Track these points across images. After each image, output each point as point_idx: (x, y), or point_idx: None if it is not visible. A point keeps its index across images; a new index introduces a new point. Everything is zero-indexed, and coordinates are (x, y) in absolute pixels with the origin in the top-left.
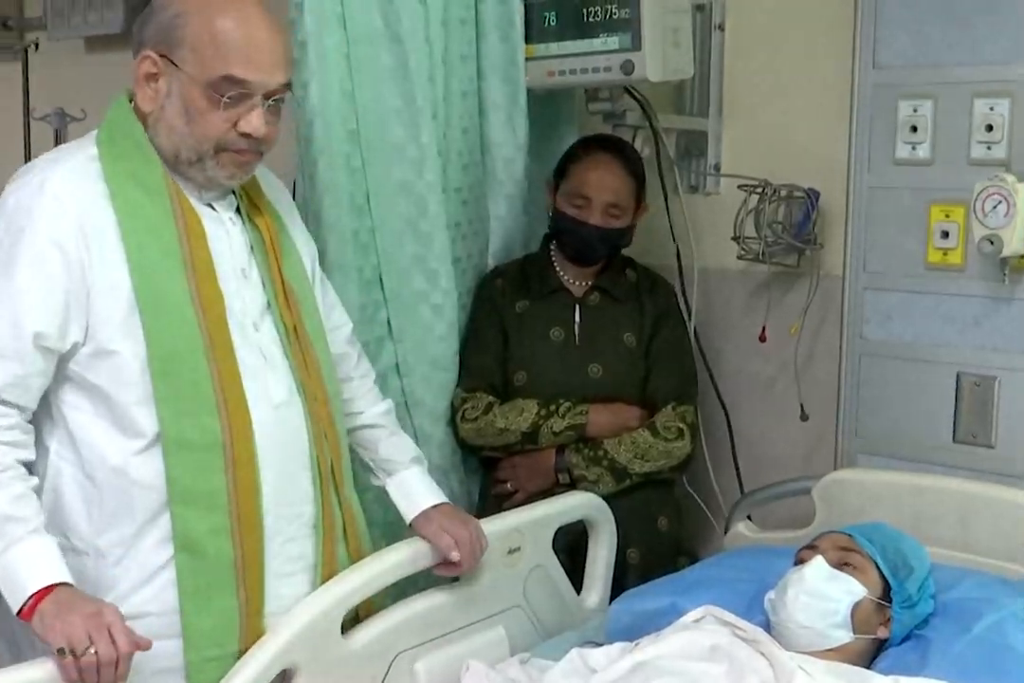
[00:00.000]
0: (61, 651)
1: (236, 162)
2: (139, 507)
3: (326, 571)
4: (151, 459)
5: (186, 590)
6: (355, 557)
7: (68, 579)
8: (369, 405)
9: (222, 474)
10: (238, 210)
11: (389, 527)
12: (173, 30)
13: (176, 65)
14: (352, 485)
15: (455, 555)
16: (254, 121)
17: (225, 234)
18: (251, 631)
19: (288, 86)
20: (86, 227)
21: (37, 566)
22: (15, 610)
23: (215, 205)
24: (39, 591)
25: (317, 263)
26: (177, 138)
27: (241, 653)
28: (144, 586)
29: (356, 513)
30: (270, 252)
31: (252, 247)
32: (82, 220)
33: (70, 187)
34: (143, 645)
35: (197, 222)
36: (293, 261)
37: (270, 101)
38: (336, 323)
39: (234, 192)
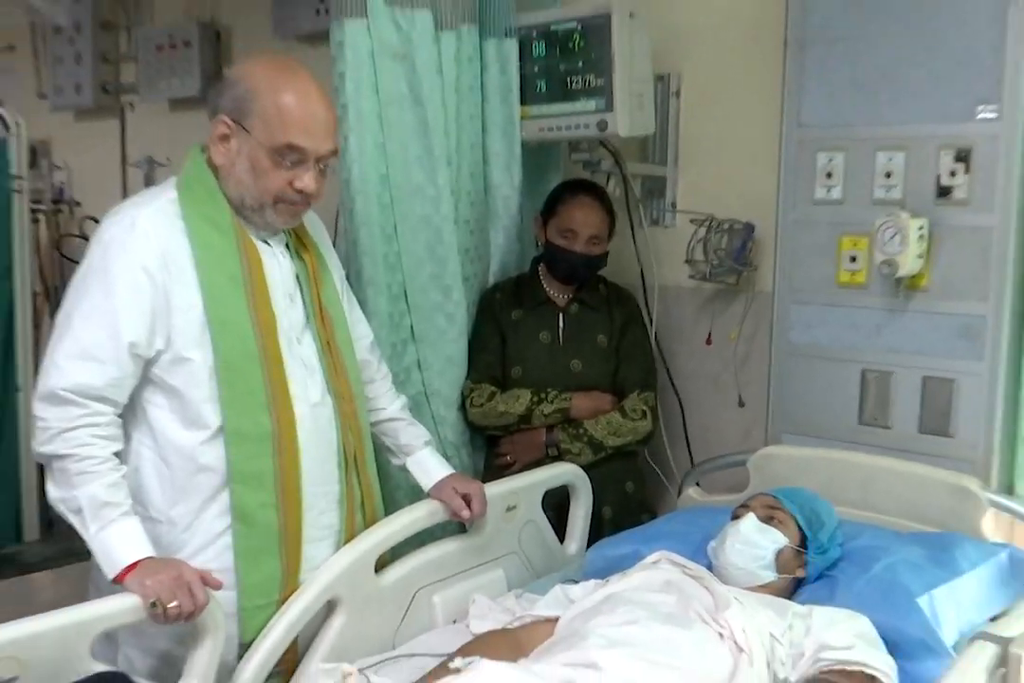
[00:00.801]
0: (153, 604)
1: (290, 211)
2: (203, 485)
3: (347, 537)
4: (214, 447)
5: (240, 552)
6: (371, 522)
7: (152, 554)
8: (390, 402)
9: (270, 460)
10: (287, 245)
11: (412, 490)
12: (245, 102)
13: (247, 131)
14: (373, 467)
15: (465, 513)
16: (308, 181)
17: (277, 265)
18: (290, 585)
19: (335, 152)
20: (168, 257)
21: (128, 544)
22: (110, 577)
23: (270, 241)
24: (131, 564)
25: (346, 283)
26: (244, 189)
27: (282, 602)
28: (207, 548)
29: (374, 490)
30: (311, 280)
31: (297, 276)
32: (165, 251)
33: (155, 225)
34: (214, 584)
35: (256, 255)
36: (329, 287)
37: (321, 164)
38: (360, 335)
39: (285, 230)
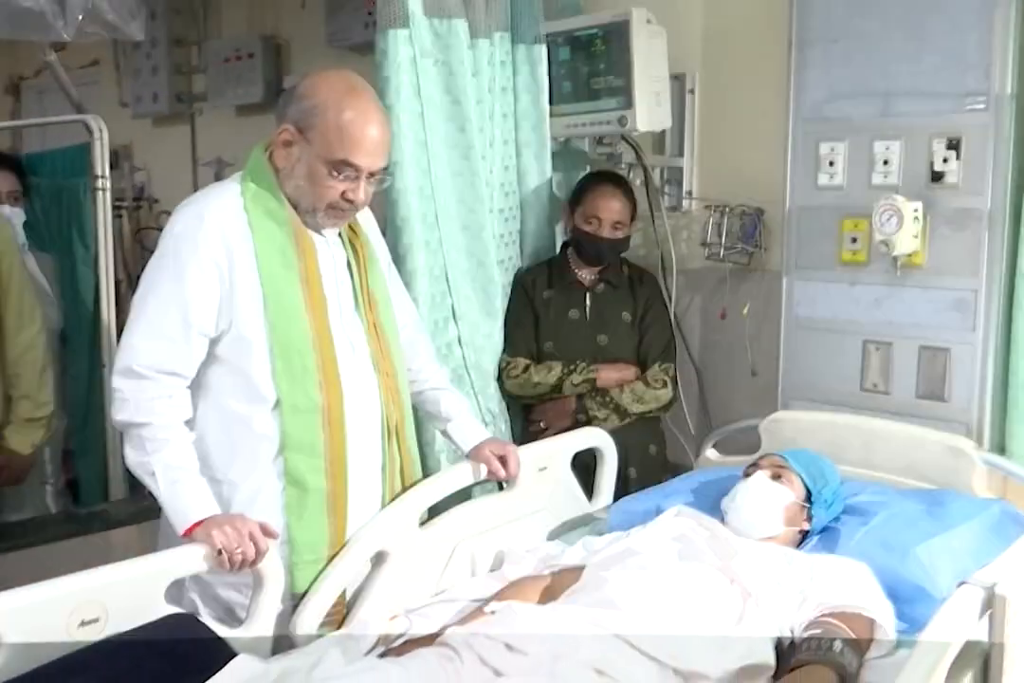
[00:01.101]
0: (219, 552)
1: (338, 216)
2: (261, 451)
3: (389, 500)
4: (271, 418)
5: (292, 512)
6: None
7: (217, 511)
8: (432, 374)
9: (320, 430)
10: (339, 234)
11: (454, 454)
12: (310, 116)
13: (308, 142)
14: (413, 437)
15: (502, 473)
16: (358, 193)
17: (330, 254)
18: (337, 543)
19: (386, 168)
20: (231, 247)
21: (195, 502)
22: (179, 532)
23: (324, 232)
24: (197, 521)
25: (392, 267)
26: (300, 193)
27: (329, 559)
28: (263, 507)
29: (413, 458)
30: (360, 267)
31: (348, 263)
32: (228, 242)
33: (220, 217)
34: (271, 533)
35: (310, 245)
36: (376, 273)
37: (372, 178)
38: (407, 316)
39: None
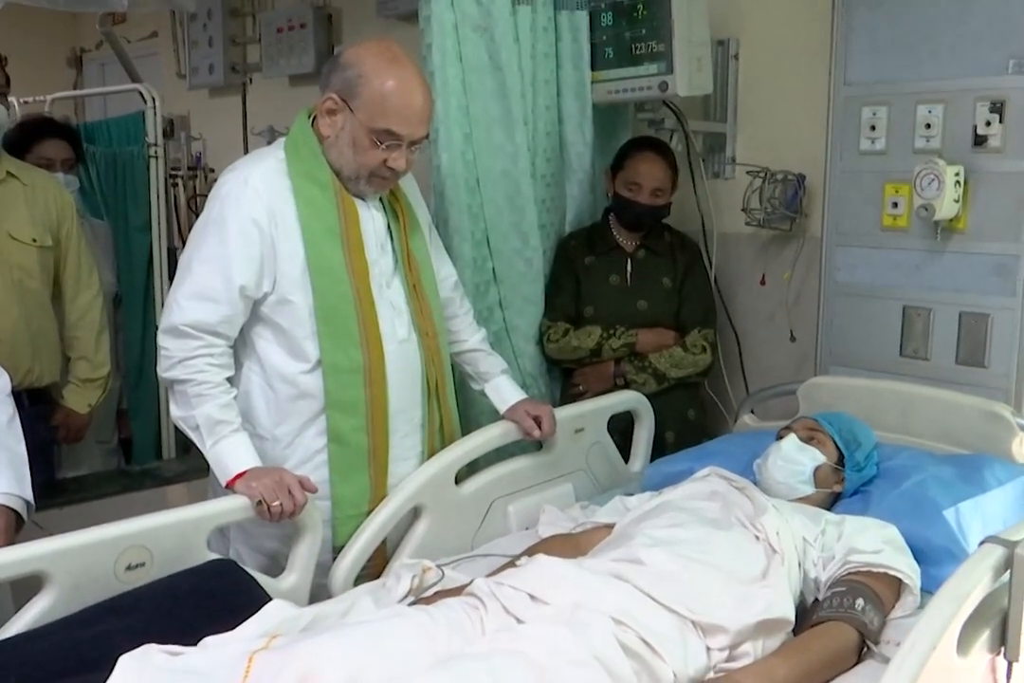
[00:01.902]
0: (259, 503)
1: (380, 184)
2: (304, 410)
3: (428, 457)
4: (314, 377)
5: (335, 468)
6: (448, 443)
7: (259, 464)
8: (471, 335)
9: (362, 390)
10: (381, 199)
11: (494, 414)
12: (354, 86)
13: (352, 111)
14: (452, 395)
15: (536, 433)
16: (400, 161)
17: (371, 218)
18: (377, 498)
19: (426, 136)
20: (275, 210)
21: (238, 455)
22: (222, 483)
23: (365, 196)
24: (240, 473)
25: (433, 229)
26: (344, 160)
27: (369, 513)
28: (305, 463)
29: (453, 416)
30: (401, 230)
31: (389, 226)
32: (272, 206)
33: (265, 182)
34: (310, 487)
35: (352, 209)
36: (417, 236)
37: (414, 146)
38: (445, 275)
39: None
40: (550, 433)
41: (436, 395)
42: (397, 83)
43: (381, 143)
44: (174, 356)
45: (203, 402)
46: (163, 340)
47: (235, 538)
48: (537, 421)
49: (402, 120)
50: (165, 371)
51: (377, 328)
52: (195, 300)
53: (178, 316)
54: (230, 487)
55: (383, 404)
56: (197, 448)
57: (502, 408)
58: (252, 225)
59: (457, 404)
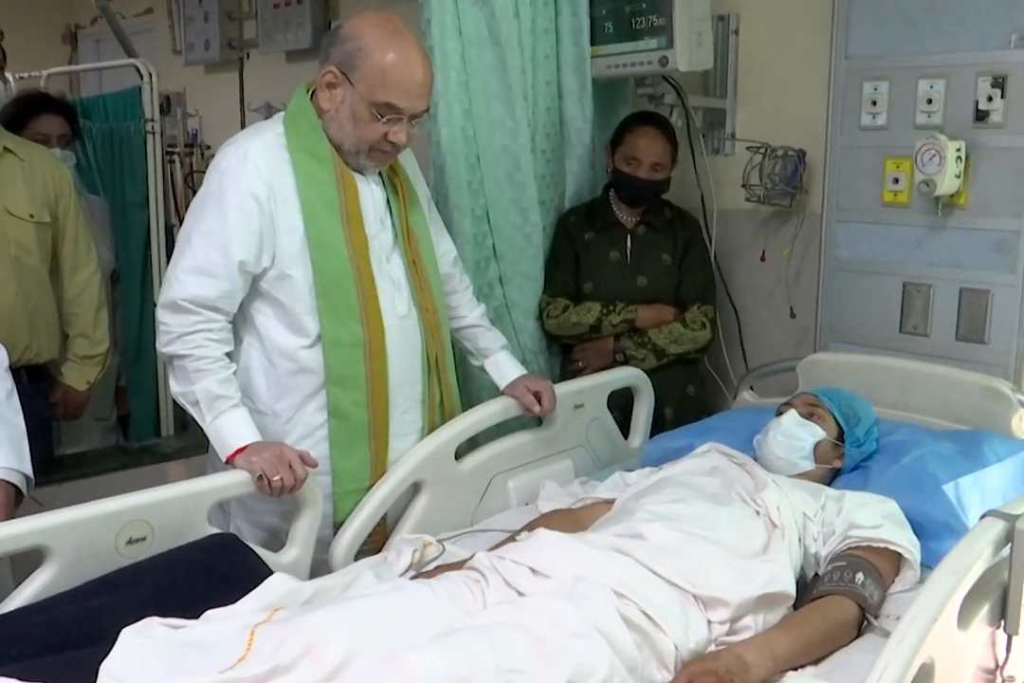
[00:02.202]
0: (260, 477)
1: (380, 158)
2: (304, 385)
3: (428, 432)
4: (314, 352)
5: (335, 443)
6: (449, 418)
7: (258, 439)
8: (470, 311)
9: (362, 364)
10: (380, 173)
11: (495, 390)
12: (354, 59)
13: (352, 84)
14: (453, 371)
15: (536, 408)
16: (400, 135)
17: (370, 192)
18: (377, 473)
19: (427, 110)
20: (273, 185)
21: (238, 430)
22: (223, 458)
23: (365, 171)
24: (240, 448)
25: (432, 205)
26: (344, 134)
27: (370, 488)
28: (306, 439)
29: (453, 391)
30: (400, 205)
31: (388, 201)
32: (271, 180)
33: (264, 156)
34: (310, 462)
35: (352, 184)
36: (416, 211)
37: (414, 120)
38: (444, 251)
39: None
40: (550, 409)
41: (436, 370)
42: (398, 56)
43: (382, 117)
44: (173, 331)
45: (202, 377)
46: (162, 315)
47: (235, 514)
48: (537, 397)
49: (403, 93)
50: (164, 346)
51: (377, 303)
52: (194, 275)
53: (177, 291)
54: (230, 462)
55: (383, 379)
56: (195, 424)
57: (502, 384)
58: (251, 199)
59: (457, 380)
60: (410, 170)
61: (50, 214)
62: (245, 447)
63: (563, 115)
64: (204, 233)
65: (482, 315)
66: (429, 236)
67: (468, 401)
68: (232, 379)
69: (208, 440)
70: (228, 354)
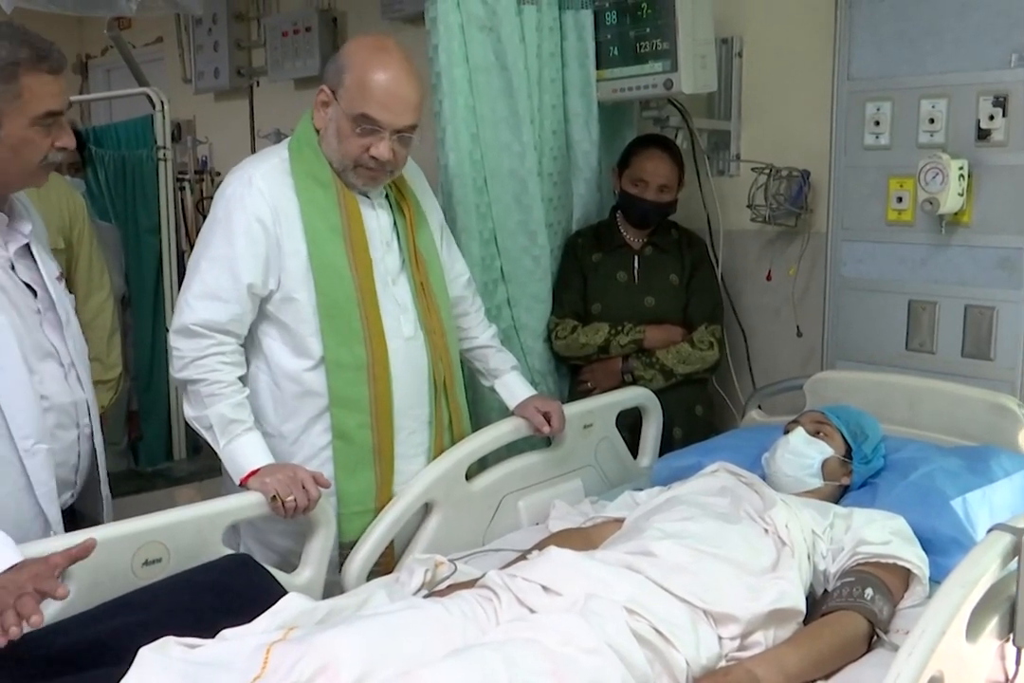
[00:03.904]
0: (273, 498)
1: (368, 175)
2: (309, 406)
3: (436, 454)
4: (318, 374)
5: (340, 465)
6: (458, 440)
7: (271, 461)
8: (481, 332)
9: (366, 387)
10: (387, 196)
11: (505, 411)
12: (341, 74)
13: (337, 100)
14: (462, 393)
15: (546, 429)
16: (381, 150)
17: (375, 216)
18: (384, 495)
19: (414, 127)
20: (278, 209)
21: (251, 453)
22: (236, 480)
23: (369, 194)
24: (253, 470)
25: (445, 227)
26: (332, 151)
27: (376, 511)
28: (312, 460)
29: (462, 414)
30: (407, 229)
31: (396, 224)
32: (275, 204)
33: (269, 182)
34: (323, 483)
35: (355, 207)
36: (424, 234)
37: (397, 135)
38: (457, 273)
39: (392, 188)
40: (559, 429)
41: (444, 393)
42: (378, 69)
43: (360, 129)
44: (186, 356)
45: (216, 401)
46: (175, 341)
47: (246, 535)
48: (547, 417)
49: (378, 105)
50: (178, 372)
51: (380, 325)
52: (205, 300)
53: (188, 316)
54: (243, 485)
55: (387, 401)
56: (207, 448)
57: (512, 404)
58: (257, 223)
59: (468, 401)
60: (420, 193)
61: (64, 241)
62: (258, 470)
63: (569, 138)
64: (212, 258)
65: (493, 336)
66: (438, 259)
67: (478, 422)
68: (245, 403)
69: (221, 464)
70: (241, 378)
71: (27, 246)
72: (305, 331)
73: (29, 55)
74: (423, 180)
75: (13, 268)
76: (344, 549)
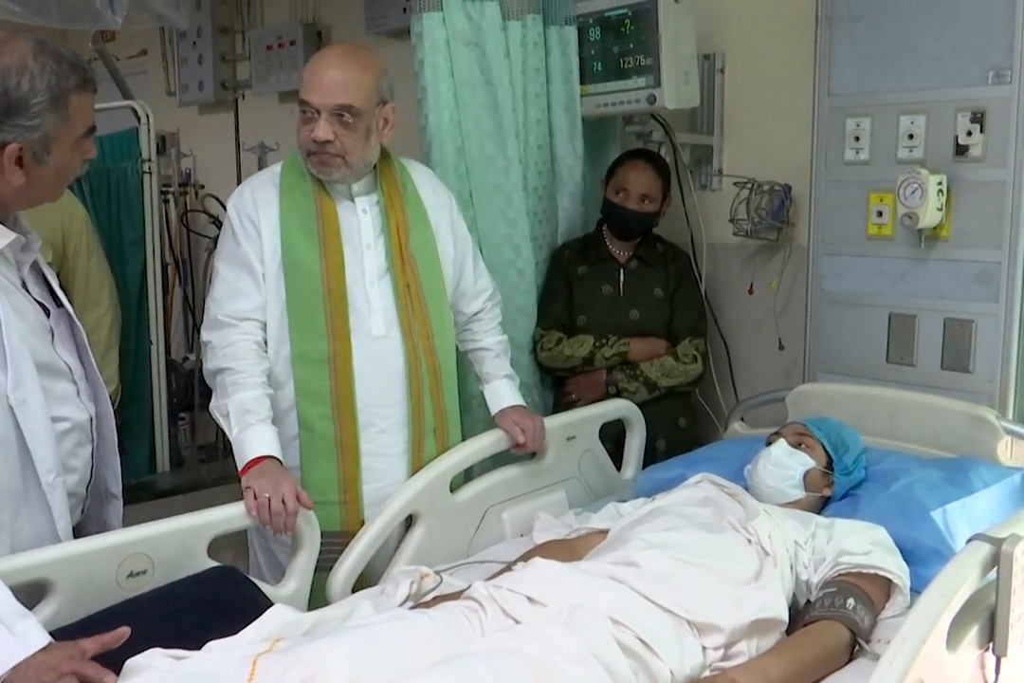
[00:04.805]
0: (248, 488)
1: (318, 161)
2: (282, 398)
3: (414, 457)
4: (287, 367)
5: (304, 454)
6: (442, 447)
7: (276, 454)
8: (489, 336)
9: (327, 380)
10: (378, 201)
11: (490, 423)
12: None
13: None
14: (454, 398)
15: (520, 438)
16: (317, 131)
17: (358, 220)
18: (349, 490)
19: (349, 107)
20: (261, 213)
21: (257, 444)
22: (239, 468)
23: (356, 199)
24: (253, 459)
25: (469, 243)
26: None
27: (340, 504)
28: (285, 449)
29: (450, 417)
30: (394, 233)
31: (385, 229)
32: (261, 209)
33: (256, 191)
34: (304, 503)
35: (332, 210)
36: (423, 240)
37: (336, 118)
38: (481, 288)
39: (379, 189)
40: (532, 447)
41: (428, 396)
42: (315, 59)
43: (302, 115)
44: (216, 346)
45: (239, 390)
46: (206, 335)
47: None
48: (524, 431)
49: (309, 87)
50: (210, 362)
51: (346, 322)
52: (228, 295)
53: (215, 309)
54: (242, 475)
55: (348, 395)
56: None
57: (494, 411)
58: (249, 222)
59: (471, 407)
60: (429, 196)
61: (55, 254)
62: (260, 460)
63: (554, 153)
64: (226, 258)
65: (498, 342)
66: (436, 261)
67: (477, 423)
68: (265, 398)
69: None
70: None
71: (35, 263)
72: (275, 325)
73: (79, 80)
74: (436, 184)
75: (25, 286)
76: (325, 537)
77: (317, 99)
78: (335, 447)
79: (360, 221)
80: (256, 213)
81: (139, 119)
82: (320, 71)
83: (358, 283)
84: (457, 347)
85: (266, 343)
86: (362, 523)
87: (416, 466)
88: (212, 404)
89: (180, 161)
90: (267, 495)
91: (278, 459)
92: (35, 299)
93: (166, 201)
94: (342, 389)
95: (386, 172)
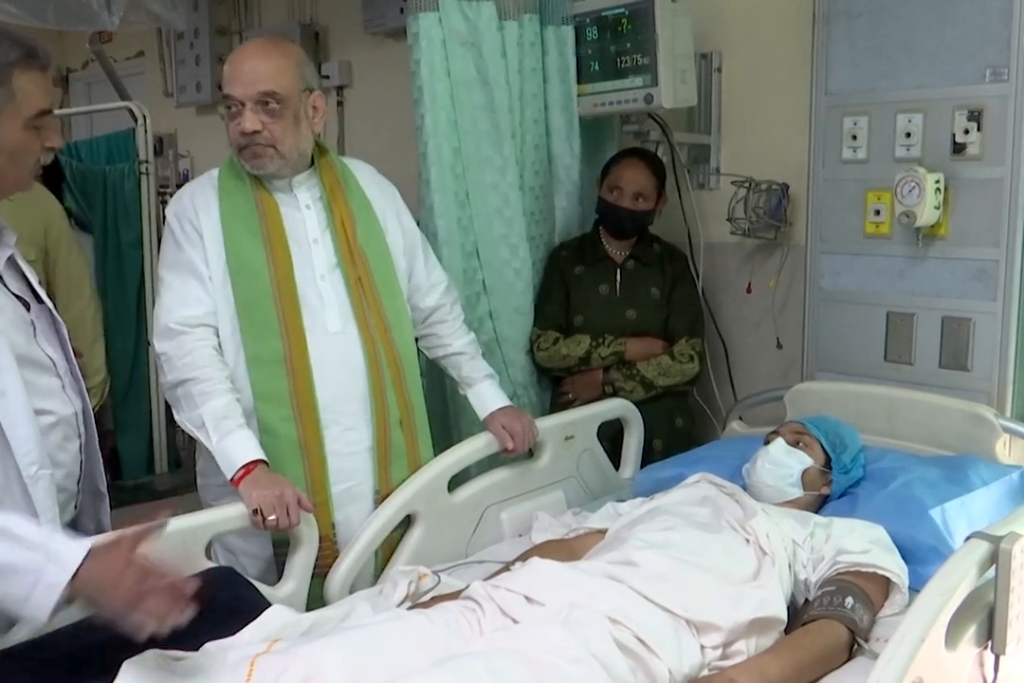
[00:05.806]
0: (255, 512)
1: (250, 155)
2: (243, 403)
3: (381, 452)
4: (244, 371)
5: (269, 459)
6: (410, 442)
7: (264, 458)
8: (456, 339)
9: (285, 380)
10: (320, 197)
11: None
12: None
13: None
14: (419, 391)
15: (508, 444)
16: (243, 123)
17: (301, 216)
18: (317, 492)
19: (270, 94)
20: (201, 218)
21: (242, 449)
22: (229, 478)
23: (298, 194)
24: (245, 465)
25: (417, 236)
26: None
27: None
28: None
29: (416, 411)
30: (340, 227)
31: (331, 223)
32: (200, 214)
33: (194, 196)
34: (306, 507)
35: (273, 208)
36: (371, 232)
37: (261, 107)
38: (435, 281)
39: (321, 184)
40: (520, 450)
41: (391, 389)
42: (233, 54)
43: (228, 110)
44: (172, 356)
45: (208, 398)
46: (159, 345)
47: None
48: (512, 433)
49: (230, 81)
50: (169, 374)
51: (299, 320)
52: (176, 300)
53: (165, 318)
54: (236, 485)
55: (308, 394)
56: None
57: (482, 414)
58: (192, 229)
59: (451, 408)
60: (372, 189)
61: (38, 250)
62: (251, 468)
63: (551, 152)
64: (170, 266)
65: (469, 343)
66: (386, 254)
67: (461, 433)
68: (236, 403)
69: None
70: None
71: (11, 257)
72: (227, 329)
73: (20, 54)
74: (379, 178)
75: (3, 281)
76: (278, 547)
77: (240, 90)
78: (300, 449)
79: (304, 217)
80: (197, 218)
81: (136, 120)
82: (239, 63)
83: (308, 279)
84: (425, 354)
85: (221, 352)
86: (332, 526)
87: (383, 460)
88: (180, 417)
89: (177, 162)
90: (274, 518)
91: (265, 462)
92: (14, 294)
93: (163, 202)
94: (301, 388)
95: (326, 167)
